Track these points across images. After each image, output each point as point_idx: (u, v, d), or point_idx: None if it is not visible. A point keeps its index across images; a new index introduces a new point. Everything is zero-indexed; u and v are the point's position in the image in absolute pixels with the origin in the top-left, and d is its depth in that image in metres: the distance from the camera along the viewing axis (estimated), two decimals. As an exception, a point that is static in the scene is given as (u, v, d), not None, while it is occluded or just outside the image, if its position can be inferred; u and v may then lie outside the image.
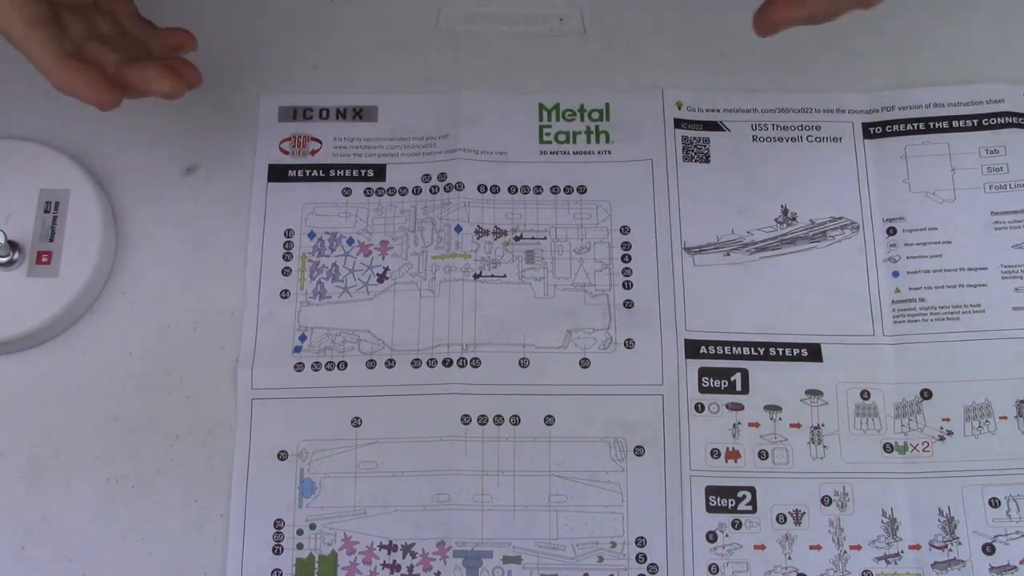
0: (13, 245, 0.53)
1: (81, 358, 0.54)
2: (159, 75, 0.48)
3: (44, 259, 0.54)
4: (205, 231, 0.57)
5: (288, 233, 0.57)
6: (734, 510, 0.52)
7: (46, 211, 0.55)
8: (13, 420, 0.53)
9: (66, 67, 0.47)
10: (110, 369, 0.54)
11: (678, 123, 0.58)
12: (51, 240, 0.54)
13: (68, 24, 0.48)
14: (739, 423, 0.53)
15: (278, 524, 0.52)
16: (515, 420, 0.53)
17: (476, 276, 0.55)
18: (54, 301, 0.53)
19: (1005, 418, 0.53)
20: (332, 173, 0.58)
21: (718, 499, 0.52)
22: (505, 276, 0.56)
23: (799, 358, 0.54)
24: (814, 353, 0.54)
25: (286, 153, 0.58)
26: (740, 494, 0.52)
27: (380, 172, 0.58)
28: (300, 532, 0.52)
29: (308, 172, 0.58)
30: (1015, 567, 0.51)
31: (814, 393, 0.54)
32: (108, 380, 0.54)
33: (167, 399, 0.54)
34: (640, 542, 0.52)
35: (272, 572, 0.51)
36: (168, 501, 0.52)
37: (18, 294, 0.53)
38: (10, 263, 0.53)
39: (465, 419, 0.53)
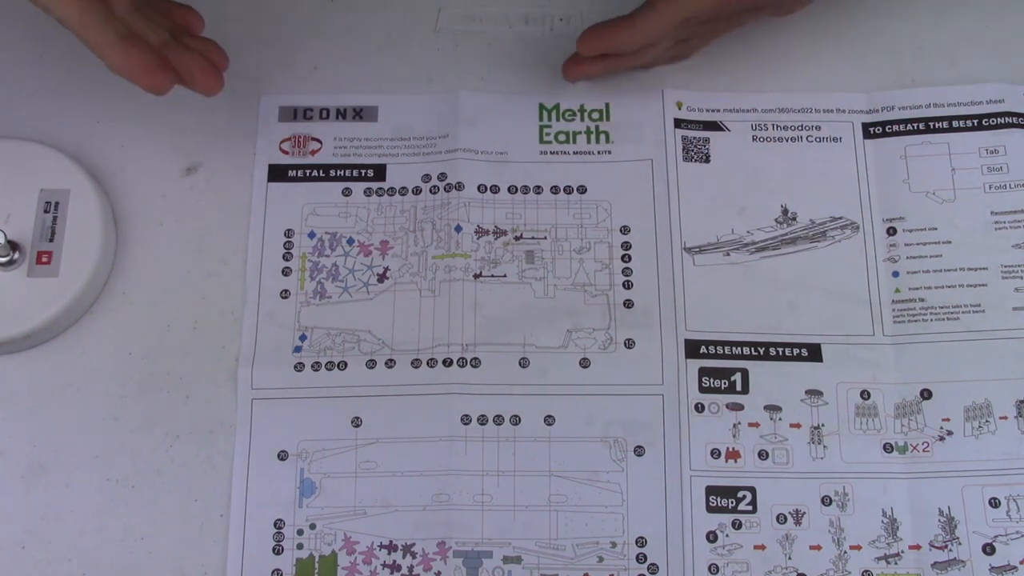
0: (13, 245, 0.53)
1: (81, 358, 0.54)
2: (203, 73, 0.52)
3: (44, 259, 0.54)
4: (205, 231, 0.57)
5: (288, 233, 0.57)
6: (734, 510, 0.52)
7: (46, 211, 0.55)
8: (13, 420, 0.53)
9: (123, 51, 0.49)
10: (110, 369, 0.54)
11: (678, 123, 0.58)
12: (51, 240, 0.54)
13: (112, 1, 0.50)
14: (739, 423, 0.53)
15: (278, 524, 0.52)
16: (515, 420, 0.53)
17: (476, 276, 0.55)
18: (54, 301, 0.53)
19: (1005, 418, 0.53)
20: (332, 173, 0.58)
21: (718, 499, 0.52)
22: (505, 276, 0.56)
23: (799, 358, 0.54)
24: (814, 353, 0.54)
25: (286, 153, 0.58)
26: (740, 494, 0.52)
27: (380, 172, 0.58)
28: (300, 532, 0.52)
29: (308, 172, 0.58)
30: (1015, 567, 0.51)
31: (814, 393, 0.54)
32: (108, 380, 0.54)
33: (167, 399, 0.54)
34: (640, 542, 0.52)
35: (272, 572, 0.51)
36: (168, 501, 0.52)
37: (18, 294, 0.53)
38: (10, 263, 0.53)
39: (465, 419, 0.53)
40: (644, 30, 0.53)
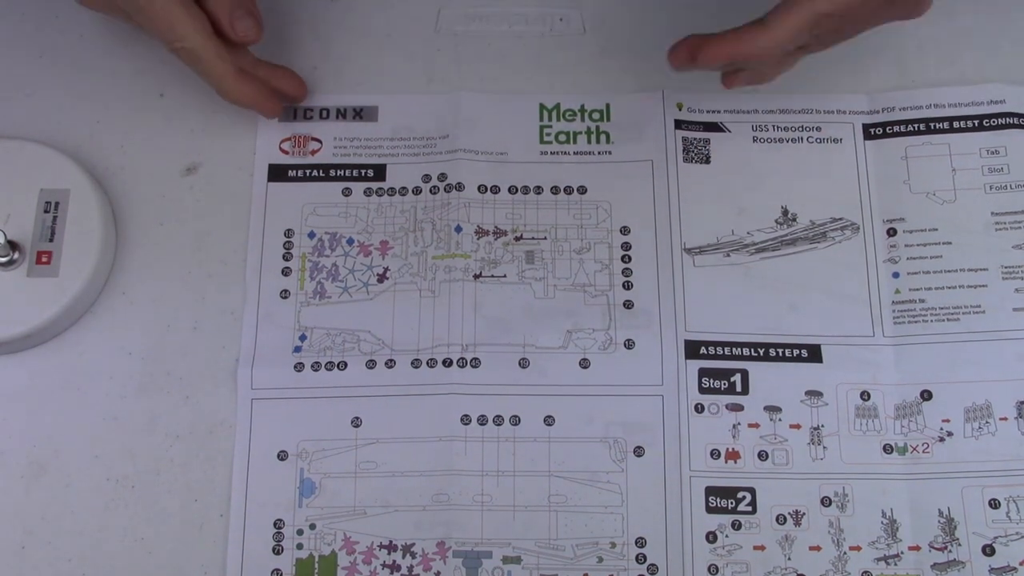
0: (13, 245, 0.53)
1: (81, 358, 0.54)
2: (291, 77, 0.57)
3: (44, 259, 0.54)
4: (205, 231, 0.57)
5: (288, 233, 0.57)
6: (734, 511, 0.52)
7: (46, 211, 0.55)
8: (13, 420, 0.53)
9: (241, 80, 0.53)
10: (110, 369, 0.54)
11: (678, 124, 0.58)
12: (51, 240, 0.54)
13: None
14: (739, 424, 0.53)
15: (278, 524, 0.52)
16: (515, 420, 0.53)
17: (476, 276, 0.55)
18: (54, 301, 0.53)
19: (1005, 419, 0.53)
20: (332, 173, 0.58)
21: (718, 500, 0.52)
22: (505, 276, 0.56)
23: (799, 359, 0.54)
24: (814, 354, 0.54)
25: (286, 153, 0.58)
26: (740, 495, 0.52)
27: (380, 172, 0.58)
28: (300, 532, 0.52)
29: (308, 172, 0.58)
30: (1015, 568, 0.51)
31: (814, 394, 0.54)
32: (108, 380, 0.54)
33: (167, 399, 0.54)
34: (640, 542, 0.52)
35: (272, 572, 0.51)
36: (168, 501, 0.52)
37: (18, 294, 0.53)
38: (10, 263, 0.53)
39: (465, 419, 0.53)
40: (779, 32, 0.49)
